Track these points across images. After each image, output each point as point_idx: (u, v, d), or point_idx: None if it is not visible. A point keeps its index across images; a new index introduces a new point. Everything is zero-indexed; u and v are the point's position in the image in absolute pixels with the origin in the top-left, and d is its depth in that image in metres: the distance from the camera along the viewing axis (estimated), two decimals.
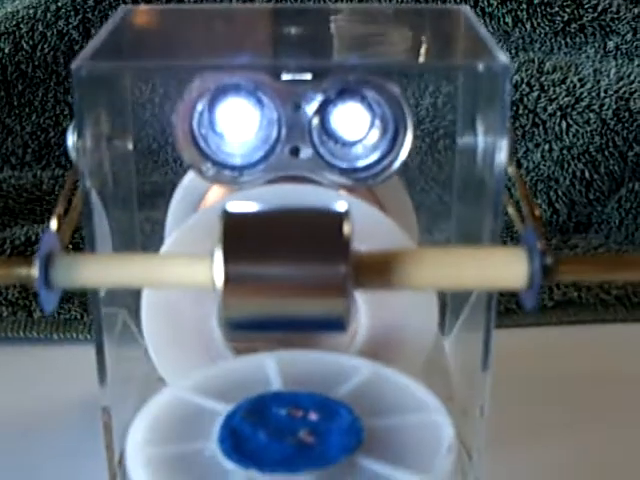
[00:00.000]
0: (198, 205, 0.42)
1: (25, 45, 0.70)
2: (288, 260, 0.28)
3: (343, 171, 0.36)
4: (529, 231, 0.30)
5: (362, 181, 0.36)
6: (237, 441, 0.28)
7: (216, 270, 0.28)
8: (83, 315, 0.54)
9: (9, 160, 0.72)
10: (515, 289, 0.30)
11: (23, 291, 0.54)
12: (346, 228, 0.28)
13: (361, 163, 0.36)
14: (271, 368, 0.32)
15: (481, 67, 0.33)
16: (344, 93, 0.36)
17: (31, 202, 0.65)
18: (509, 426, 0.43)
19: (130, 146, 0.40)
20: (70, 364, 0.50)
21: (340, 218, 0.29)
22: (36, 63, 0.71)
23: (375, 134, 0.36)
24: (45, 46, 0.71)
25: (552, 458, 0.44)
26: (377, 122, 0.36)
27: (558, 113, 0.66)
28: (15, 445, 0.45)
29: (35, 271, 0.29)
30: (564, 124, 0.66)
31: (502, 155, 0.33)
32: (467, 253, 0.30)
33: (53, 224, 0.31)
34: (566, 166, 0.66)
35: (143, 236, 0.45)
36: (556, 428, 0.46)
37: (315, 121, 0.36)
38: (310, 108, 0.35)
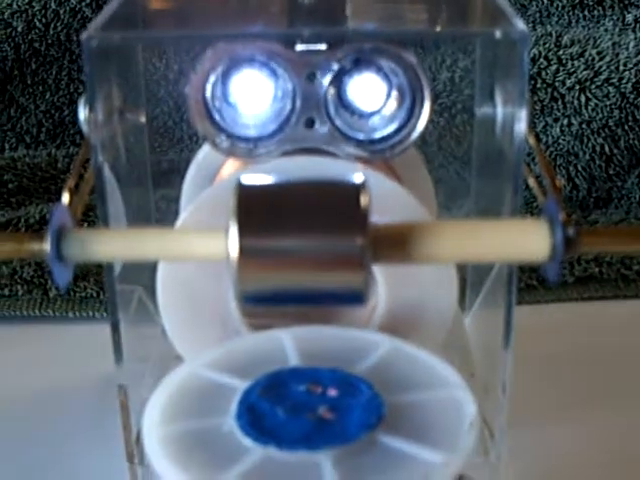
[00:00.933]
0: (213, 180, 0.41)
1: (38, 23, 0.70)
2: (304, 232, 0.27)
3: (359, 143, 0.36)
4: (551, 202, 0.29)
5: (379, 153, 0.36)
6: (255, 417, 0.28)
7: (231, 243, 0.27)
8: (99, 293, 0.54)
9: (23, 139, 0.72)
10: (537, 261, 0.29)
11: (39, 269, 0.54)
12: (363, 199, 0.28)
13: (378, 134, 0.36)
14: (288, 344, 0.32)
15: (498, 34, 0.32)
16: (360, 63, 0.35)
17: (46, 181, 0.65)
18: (530, 403, 0.42)
19: (143, 119, 0.40)
20: (86, 342, 0.50)
21: (357, 189, 0.28)
22: (49, 41, 0.70)
23: (392, 105, 0.36)
24: (58, 24, 0.70)
25: (573, 435, 0.43)
26: (394, 92, 0.35)
27: (577, 87, 0.65)
28: (30, 423, 0.44)
29: (47, 245, 0.28)
30: (583, 98, 0.65)
31: (522, 125, 0.33)
32: (487, 225, 0.29)
33: (65, 198, 0.31)
34: (585, 141, 0.65)
35: (158, 213, 0.45)
36: (577, 405, 0.45)
37: (330, 92, 0.35)
38: (325, 79, 0.35)
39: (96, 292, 0.54)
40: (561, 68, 0.65)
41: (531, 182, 0.35)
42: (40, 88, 0.71)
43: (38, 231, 0.28)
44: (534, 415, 0.43)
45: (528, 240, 0.29)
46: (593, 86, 0.65)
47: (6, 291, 0.54)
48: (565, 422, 0.44)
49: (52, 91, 0.71)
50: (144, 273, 0.40)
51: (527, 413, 0.41)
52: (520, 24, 0.32)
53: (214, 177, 0.41)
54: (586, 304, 0.55)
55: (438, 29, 0.36)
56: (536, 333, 0.47)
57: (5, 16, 0.69)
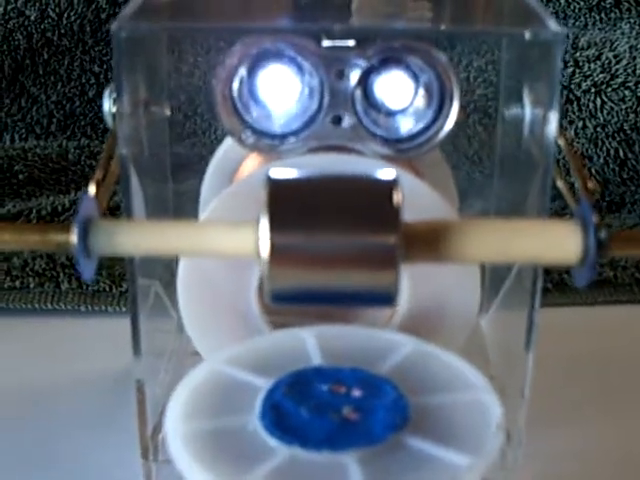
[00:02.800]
0: (232, 177, 0.41)
1: (51, 12, 0.69)
2: (336, 229, 0.27)
3: (386, 141, 0.35)
4: (584, 205, 0.29)
5: (405, 152, 0.35)
6: (279, 417, 0.28)
7: (262, 239, 0.27)
8: (112, 287, 0.53)
9: (34, 130, 0.71)
10: (568, 264, 0.29)
11: (50, 262, 0.54)
12: (396, 197, 0.27)
13: (405, 133, 0.35)
14: (310, 343, 0.32)
15: (535, 34, 0.32)
16: (388, 61, 0.35)
17: (56, 172, 0.65)
18: (543, 406, 0.42)
19: (167, 112, 0.39)
20: (98, 336, 0.50)
21: (390, 186, 0.27)
22: (62, 31, 0.70)
23: (420, 103, 0.35)
24: (72, 14, 0.70)
25: (586, 439, 0.43)
26: (421, 91, 0.35)
27: (592, 90, 0.65)
28: (40, 417, 0.44)
29: (74, 237, 0.28)
30: (599, 101, 0.64)
31: (552, 127, 0.32)
32: (520, 226, 0.29)
33: (92, 189, 0.30)
34: (600, 144, 0.65)
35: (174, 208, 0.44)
36: (589, 409, 0.45)
37: (358, 89, 0.35)
38: (353, 76, 0.34)
39: (108, 286, 0.53)
40: (577, 70, 0.65)
41: (560, 184, 0.35)
42: (52, 78, 0.71)
43: (62, 222, 0.28)
44: (546, 419, 0.43)
45: (560, 242, 0.28)
46: (609, 89, 0.64)
47: (17, 283, 0.53)
48: (576, 426, 0.44)
49: (64, 82, 0.71)
50: (161, 267, 0.40)
51: (540, 416, 0.40)
52: (554, 25, 0.32)
53: (234, 174, 0.41)
54: (600, 308, 0.54)
55: (474, 28, 0.35)
56: (549, 336, 0.47)
57: (18, 4, 0.69)
